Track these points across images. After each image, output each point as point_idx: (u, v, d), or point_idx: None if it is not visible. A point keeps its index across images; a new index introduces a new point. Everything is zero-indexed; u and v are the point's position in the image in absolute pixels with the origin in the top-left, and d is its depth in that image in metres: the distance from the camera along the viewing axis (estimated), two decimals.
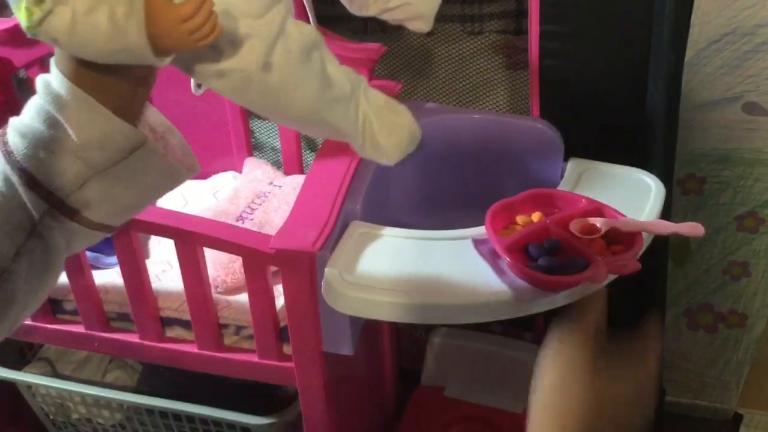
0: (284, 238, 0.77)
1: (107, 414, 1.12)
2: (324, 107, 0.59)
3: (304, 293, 0.78)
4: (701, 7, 1.04)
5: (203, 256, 0.84)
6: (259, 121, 1.24)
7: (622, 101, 0.98)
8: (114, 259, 0.92)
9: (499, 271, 0.72)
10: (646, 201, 0.84)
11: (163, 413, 1.03)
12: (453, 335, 1.28)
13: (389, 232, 0.80)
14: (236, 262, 0.91)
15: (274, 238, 0.77)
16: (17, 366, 1.13)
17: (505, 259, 0.71)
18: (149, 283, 0.90)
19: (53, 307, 0.97)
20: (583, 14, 0.94)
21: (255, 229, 0.96)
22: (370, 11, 0.77)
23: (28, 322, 0.96)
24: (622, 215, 0.74)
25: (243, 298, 0.88)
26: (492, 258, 0.74)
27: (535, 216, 0.77)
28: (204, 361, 0.92)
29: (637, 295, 0.93)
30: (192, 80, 0.60)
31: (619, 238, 0.72)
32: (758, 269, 1.27)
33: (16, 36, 0.94)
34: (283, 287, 0.79)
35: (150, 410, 1.05)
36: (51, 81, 0.51)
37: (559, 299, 0.69)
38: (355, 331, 0.81)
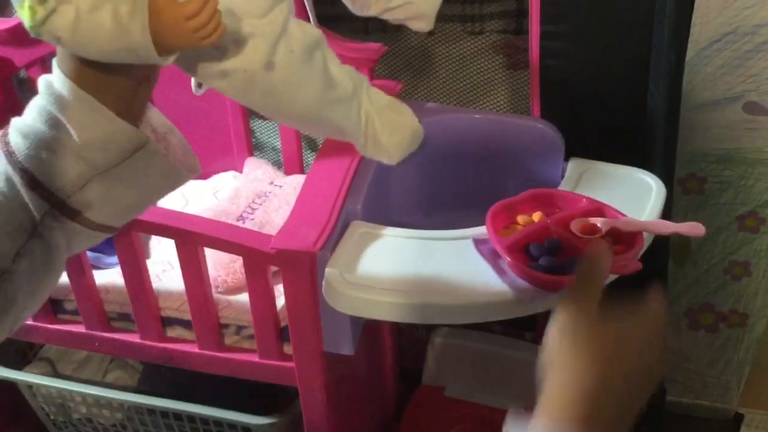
0: (285, 238, 0.77)
1: (108, 414, 1.12)
2: (326, 106, 0.59)
3: (305, 293, 0.78)
4: (702, 7, 1.04)
5: (204, 256, 0.84)
6: (259, 121, 1.24)
7: (622, 101, 0.98)
8: (115, 258, 0.92)
9: (500, 271, 0.72)
10: (646, 201, 0.84)
11: (164, 413, 1.03)
12: (454, 335, 1.28)
13: (390, 232, 0.80)
14: (237, 262, 0.91)
15: (275, 238, 0.77)
16: (18, 366, 1.13)
17: (506, 259, 0.71)
18: (150, 282, 0.90)
19: (54, 307, 0.97)
20: (583, 14, 0.94)
21: (256, 229, 0.96)
22: (372, 11, 0.77)
23: (29, 322, 0.96)
24: (623, 215, 0.74)
25: (244, 297, 0.88)
26: (493, 258, 0.74)
27: (536, 216, 0.77)
28: (205, 360, 0.92)
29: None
30: (193, 80, 0.60)
31: (620, 238, 0.72)
32: (759, 269, 1.27)
33: (17, 36, 0.94)
34: (284, 287, 0.79)
35: (151, 410, 1.05)
36: (53, 81, 0.51)
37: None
38: (356, 331, 0.81)
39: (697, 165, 1.19)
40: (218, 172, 1.22)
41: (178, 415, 1.02)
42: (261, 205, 1.07)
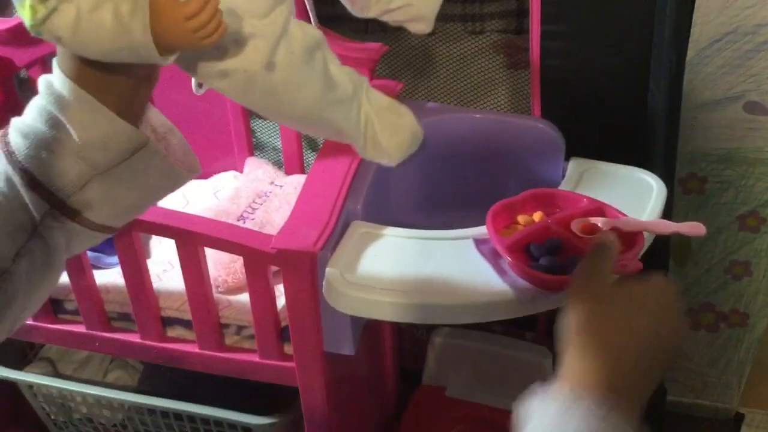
0: (285, 238, 0.77)
1: (108, 414, 1.12)
2: (326, 108, 0.59)
3: (305, 293, 0.78)
4: (702, 7, 1.04)
5: (204, 256, 0.84)
6: (260, 121, 1.24)
7: (623, 101, 0.98)
8: (115, 258, 0.92)
9: (501, 271, 0.72)
10: (647, 200, 0.84)
11: (164, 413, 1.03)
12: (454, 335, 1.28)
13: (390, 231, 0.80)
14: (237, 262, 0.91)
15: (276, 238, 0.77)
16: (18, 366, 1.13)
17: (507, 259, 0.71)
18: (150, 282, 0.90)
19: (54, 307, 0.97)
20: (584, 14, 0.94)
21: (256, 228, 0.96)
22: (371, 12, 0.76)
23: (30, 322, 0.96)
24: (624, 215, 0.74)
25: (244, 297, 0.88)
26: (493, 258, 0.74)
27: (537, 216, 0.77)
28: (205, 360, 0.92)
29: None
30: (193, 80, 0.60)
31: (621, 237, 0.72)
32: (760, 269, 1.27)
33: (17, 35, 0.94)
34: (284, 287, 0.79)
35: (151, 410, 1.05)
36: (53, 81, 0.51)
37: (560, 299, 0.69)
38: (356, 331, 0.81)
39: (698, 165, 1.19)
40: (219, 172, 1.22)
41: (178, 415, 1.02)
42: (261, 205, 1.07)
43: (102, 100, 0.50)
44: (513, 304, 0.70)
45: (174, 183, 0.57)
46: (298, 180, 1.11)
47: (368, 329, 0.91)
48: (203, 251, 0.84)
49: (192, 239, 0.82)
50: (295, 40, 0.55)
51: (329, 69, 0.59)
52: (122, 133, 0.51)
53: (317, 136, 1.11)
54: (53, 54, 0.52)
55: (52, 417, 1.16)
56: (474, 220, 0.77)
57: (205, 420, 1.01)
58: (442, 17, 1.03)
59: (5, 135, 0.52)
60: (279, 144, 1.22)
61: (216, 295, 0.90)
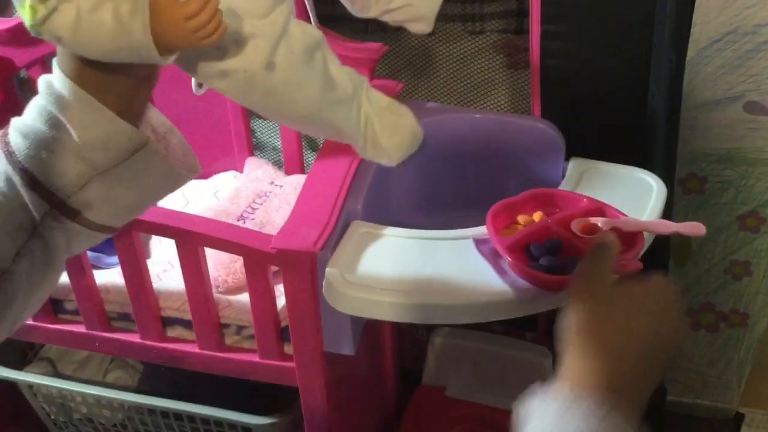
0: (285, 238, 0.77)
1: (108, 414, 1.12)
2: (326, 108, 0.59)
3: (306, 293, 0.78)
4: (702, 7, 1.04)
5: (204, 256, 0.84)
6: (260, 121, 1.24)
7: (623, 101, 0.98)
8: (115, 258, 0.92)
9: (501, 271, 0.72)
10: (647, 200, 0.84)
11: (164, 413, 1.03)
12: (454, 335, 1.28)
13: (390, 231, 0.80)
14: (237, 262, 0.91)
15: (276, 238, 0.77)
16: (18, 366, 1.13)
17: (507, 259, 0.71)
18: (150, 282, 0.90)
19: (54, 307, 0.97)
20: (584, 14, 0.94)
21: (256, 228, 0.96)
22: (371, 13, 0.77)
23: (30, 322, 0.96)
24: (624, 215, 0.74)
25: (244, 297, 0.88)
26: (493, 258, 0.74)
27: (537, 216, 0.77)
28: (205, 360, 0.92)
29: None
30: (193, 80, 0.60)
31: (621, 237, 0.72)
32: (760, 269, 1.27)
33: (17, 35, 0.93)
34: (284, 287, 0.79)
35: (151, 410, 1.05)
36: (53, 81, 0.51)
37: (560, 299, 0.69)
38: (356, 331, 0.81)
39: (698, 165, 1.19)
40: (219, 171, 1.22)
41: (178, 415, 1.02)
42: (261, 204, 1.07)
43: (102, 100, 0.50)
44: (513, 304, 0.70)
45: (174, 183, 0.57)
46: (298, 180, 1.11)
47: (368, 329, 0.91)
48: (203, 251, 0.84)
49: (192, 239, 0.82)
50: (295, 40, 0.55)
51: (329, 69, 0.59)
52: (122, 133, 0.51)
53: (317, 136, 1.11)
54: (53, 54, 0.52)
55: (52, 417, 1.16)
56: (474, 220, 0.77)
57: (205, 420, 1.01)
58: (442, 17, 1.03)
59: (5, 135, 0.52)
60: (279, 144, 1.22)
61: (216, 295, 0.90)
